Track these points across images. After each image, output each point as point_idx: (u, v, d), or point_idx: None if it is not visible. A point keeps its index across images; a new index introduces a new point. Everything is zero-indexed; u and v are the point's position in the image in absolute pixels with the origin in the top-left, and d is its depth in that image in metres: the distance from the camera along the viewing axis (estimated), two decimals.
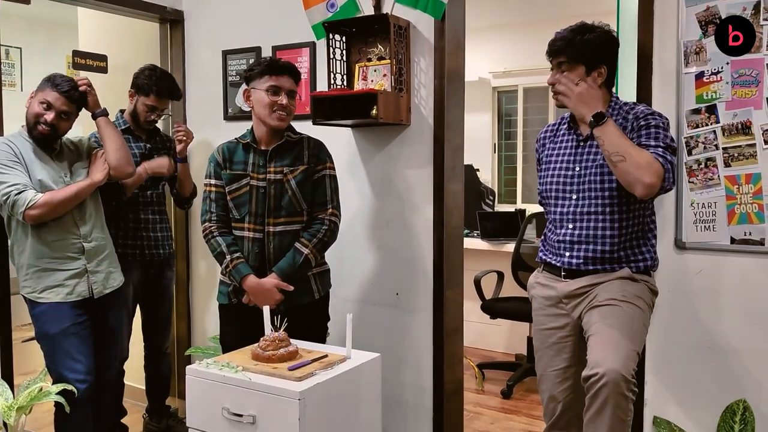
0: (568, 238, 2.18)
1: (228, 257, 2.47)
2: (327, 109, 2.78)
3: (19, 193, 2.41)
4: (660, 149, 2.01)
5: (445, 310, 2.81)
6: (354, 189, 3.00)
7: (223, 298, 2.57)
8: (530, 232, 4.48)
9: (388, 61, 2.75)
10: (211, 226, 2.52)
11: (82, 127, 3.37)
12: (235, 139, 2.58)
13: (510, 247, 4.35)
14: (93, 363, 2.59)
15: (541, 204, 2.36)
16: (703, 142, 2.34)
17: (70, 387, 2.47)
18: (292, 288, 2.44)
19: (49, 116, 2.50)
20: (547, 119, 6.01)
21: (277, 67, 2.46)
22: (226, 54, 3.37)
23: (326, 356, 2.16)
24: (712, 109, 2.32)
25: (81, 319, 2.58)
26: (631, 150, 1.97)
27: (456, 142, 2.84)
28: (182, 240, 3.54)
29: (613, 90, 2.22)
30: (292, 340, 2.19)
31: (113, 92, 3.73)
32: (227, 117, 3.39)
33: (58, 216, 2.51)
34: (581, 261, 2.15)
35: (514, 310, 4.05)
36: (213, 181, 2.54)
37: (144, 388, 3.36)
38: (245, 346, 2.30)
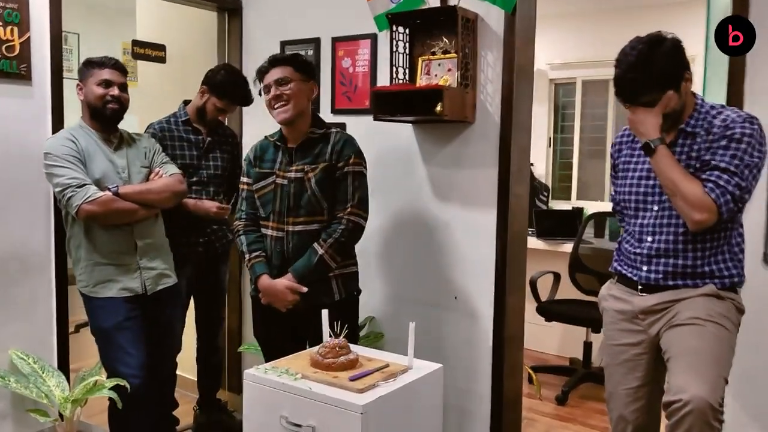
0: (645, 251, 2.05)
1: (247, 256, 2.48)
2: (388, 105, 2.68)
3: (78, 187, 2.40)
4: (725, 175, 1.86)
5: (506, 316, 2.71)
6: (413, 188, 2.90)
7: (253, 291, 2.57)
8: (588, 231, 4.32)
9: (454, 55, 2.63)
10: (239, 224, 2.54)
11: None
12: (266, 137, 2.56)
13: (567, 247, 4.21)
14: (145, 359, 2.57)
15: (615, 212, 2.23)
16: None
17: (123, 382, 2.45)
18: (305, 290, 2.38)
19: (114, 91, 2.53)
20: (606, 114, 5.78)
21: (263, 69, 2.45)
22: (284, 45, 3.29)
23: (387, 366, 2.08)
24: None
25: (134, 314, 2.56)
26: (680, 185, 1.88)
27: (523, 142, 2.72)
28: None
29: (699, 93, 2.07)
30: (352, 347, 2.12)
31: (170, 81, 3.72)
32: None
33: (109, 223, 2.49)
34: (660, 276, 2.02)
35: (572, 313, 3.93)
36: (245, 179, 2.56)
37: (195, 379, 3.35)
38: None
